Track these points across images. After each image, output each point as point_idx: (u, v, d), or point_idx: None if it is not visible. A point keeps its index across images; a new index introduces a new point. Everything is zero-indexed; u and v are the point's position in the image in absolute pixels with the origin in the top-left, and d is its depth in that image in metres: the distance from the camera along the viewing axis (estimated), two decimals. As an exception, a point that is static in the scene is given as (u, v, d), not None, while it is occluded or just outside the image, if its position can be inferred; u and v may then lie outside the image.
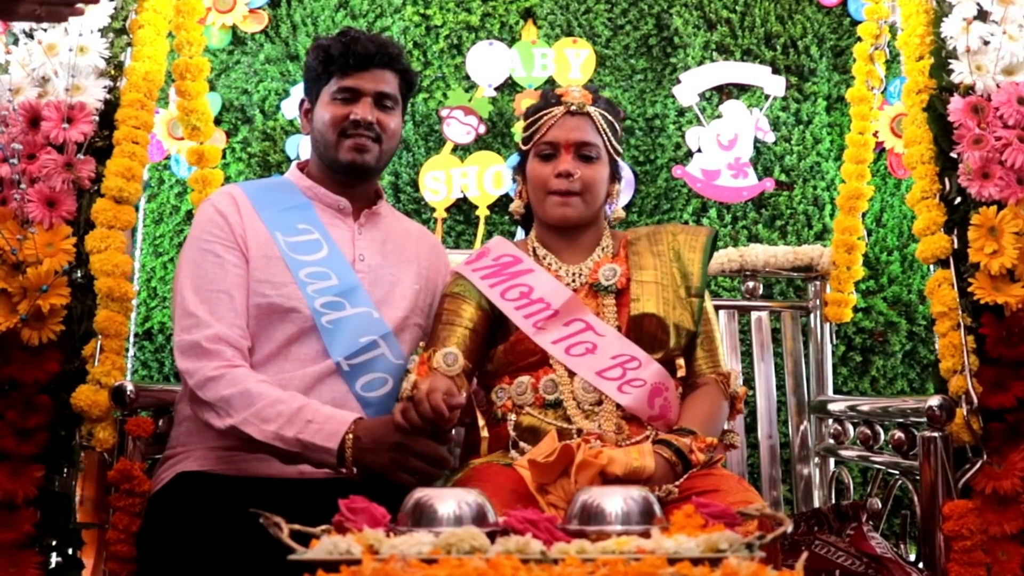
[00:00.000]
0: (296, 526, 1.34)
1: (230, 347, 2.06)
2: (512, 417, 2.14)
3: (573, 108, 2.24)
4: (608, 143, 2.27)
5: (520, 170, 2.35)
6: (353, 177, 2.28)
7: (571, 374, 2.13)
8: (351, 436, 1.91)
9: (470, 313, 2.21)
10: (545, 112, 2.26)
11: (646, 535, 1.29)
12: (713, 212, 3.50)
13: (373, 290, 2.21)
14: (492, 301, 2.21)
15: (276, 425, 1.95)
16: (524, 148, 2.32)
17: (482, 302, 2.22)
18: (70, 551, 2.21)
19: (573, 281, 2.24)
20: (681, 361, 2.21)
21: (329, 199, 2.27)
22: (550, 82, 3.57)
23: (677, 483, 1.95)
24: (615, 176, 2.33)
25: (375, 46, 2.24)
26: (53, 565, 2.19)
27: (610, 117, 2.29)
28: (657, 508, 1.43)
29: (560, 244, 2.30)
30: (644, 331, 2.17)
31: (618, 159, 2.32)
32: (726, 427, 2.23)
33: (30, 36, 2.35)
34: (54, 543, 2.20)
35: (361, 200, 2.32)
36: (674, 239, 2.30)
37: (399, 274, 2.28)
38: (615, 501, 1.41)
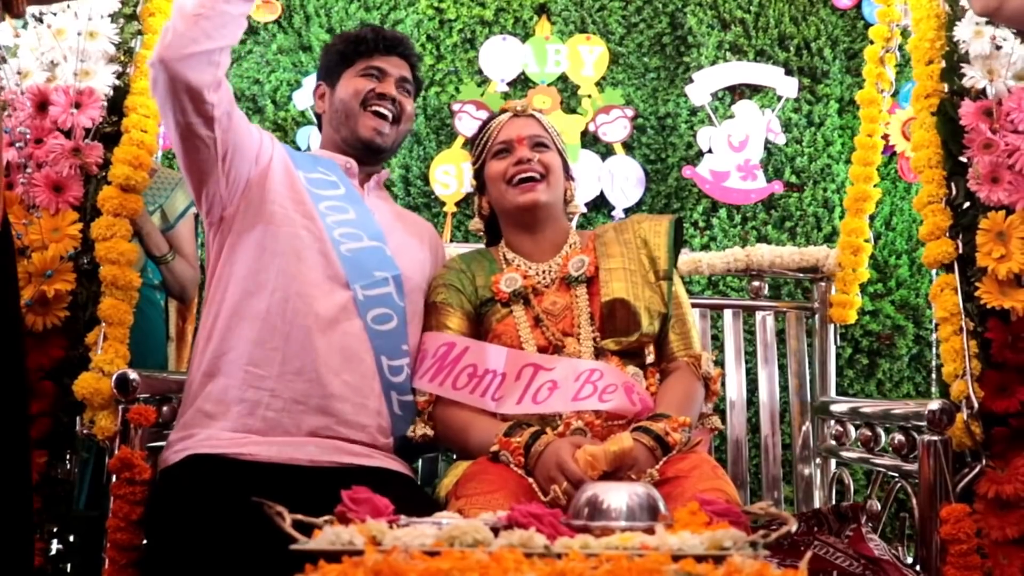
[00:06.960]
0: (299, 516, 1.33)
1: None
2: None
3: (518, 110, 2.39)
4: (555, 141, 2.38)
5: (478, 188, 2.43)
6: (365, 154, 2.34)
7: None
8: None
9: (456, 322, 2.26)
10: (492, 120, 2.40)
11: (650, 531, 1.29)
12: (723, 212, 3.49)
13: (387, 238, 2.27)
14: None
15: None
16: (476, 164, 2.41)
17: (465, 306, 2.28)
18: (71, 538, 2.21)
19: (543, 279, 2.29)
20: (651, 347, 2.24)
21: (338, 159, 2.34)
22: (563, 78, 3.56)
23: (657, 467, 1.95)
24: (568, 174, 2.42)
25: (398, 38, 2.41)
26: (54, 552, 2.19)
27: (551, 123, 2.43)
28: (661, 505, 1.43)
29: (528, 245, 2.35)
30: (615, 315, 2.21)
31: (566, 160, 2.42)
32: (705, 410, 2.26)
33: (39, 20, 2.34)
34: (55, 529, 2.20)
35: (365, 174, 2.38)
36: (639, 227, 2.36)
37: (407, 240, 2.34)
38: (619, 497, 1.40)
